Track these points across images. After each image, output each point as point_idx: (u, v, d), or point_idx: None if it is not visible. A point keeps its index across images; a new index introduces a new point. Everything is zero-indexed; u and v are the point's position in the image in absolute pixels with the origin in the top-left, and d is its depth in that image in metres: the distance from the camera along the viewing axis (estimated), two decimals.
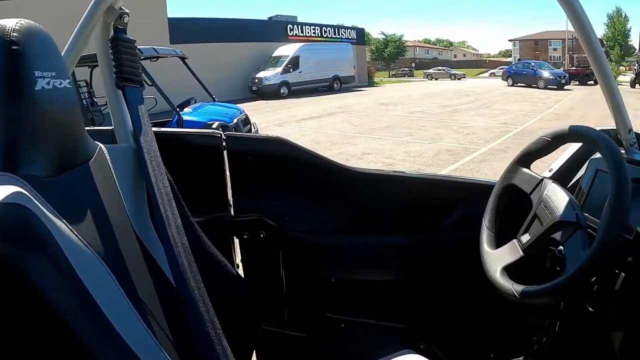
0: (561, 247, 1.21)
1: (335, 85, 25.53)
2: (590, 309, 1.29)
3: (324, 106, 17.46)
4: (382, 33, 61.72)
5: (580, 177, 1.56)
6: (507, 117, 14.56)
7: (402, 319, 1.80)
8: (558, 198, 1.26)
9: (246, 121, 8.53)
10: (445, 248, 1.75)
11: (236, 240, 1.71)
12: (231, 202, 1.66)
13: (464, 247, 1.60)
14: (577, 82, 29.59)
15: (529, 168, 1.41)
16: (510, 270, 1.28)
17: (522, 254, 1.28)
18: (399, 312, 1.80)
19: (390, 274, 1.78)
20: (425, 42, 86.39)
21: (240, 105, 9.72)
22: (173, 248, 1.05)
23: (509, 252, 1.31)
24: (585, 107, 17.47)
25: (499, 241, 1.39)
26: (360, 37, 33.15)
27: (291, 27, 28.85)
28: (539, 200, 1.30)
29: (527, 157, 1.41)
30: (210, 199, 1.63)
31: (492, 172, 7.83)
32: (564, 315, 1.46)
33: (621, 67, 41.47)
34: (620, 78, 33.57)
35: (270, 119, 14.14)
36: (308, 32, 29.52)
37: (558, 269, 1.27)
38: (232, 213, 1.67)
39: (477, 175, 7.54)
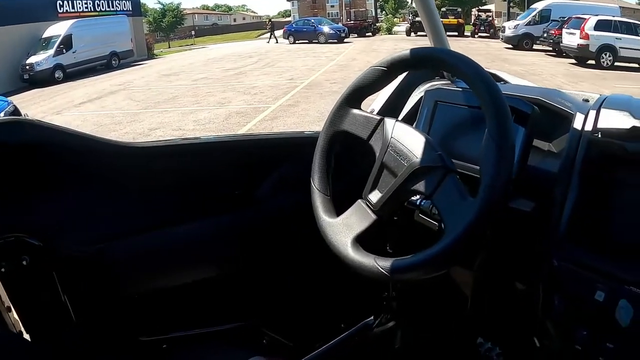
0: (425, 201, 1.04)
1: (114, 61, 23.99)
2: None
3: (103, 85, 16.48)
4: (159, 2, 59.42)
5: (409, 112, 1.40)
6: (292, 74, 15.15)
7: (234, 318, 1.56)
8: (410, 139, 0.99)
9: (15, 113, 7.92)
10: (266, 222, 1.52)
11: None
12: None
13: (289, 217, 1.44)
14: (356, 35, 31.79)
15: (360, 108, 1.11)
16: (363, 240, 1.00)
17: (374, 217, 1.01)
18: (229, 310, 1.55)
19: (206, 269, 1.51)
20: (203, 9, 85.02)
21: (12, 98, 8.91)
22: None
23: (357, 218, 1.02)
24: (367, 56, 18.70)
25: (338, 206, 1.08)
26: (137, 8, 31.49)
27: (61, 3, 26.36)
28: (385, 146, 1.02)
29: (356, 95, 1.10)
30: None
31: (285, 127, 8.28)
32: None
33: (395, 19, 45.17)
34: (396, 29, 36.78)
35: (47, 108, 13.03)
36: (80, 7, 27.03)
37: (432, 227, 1.10)
38: None
39: None
